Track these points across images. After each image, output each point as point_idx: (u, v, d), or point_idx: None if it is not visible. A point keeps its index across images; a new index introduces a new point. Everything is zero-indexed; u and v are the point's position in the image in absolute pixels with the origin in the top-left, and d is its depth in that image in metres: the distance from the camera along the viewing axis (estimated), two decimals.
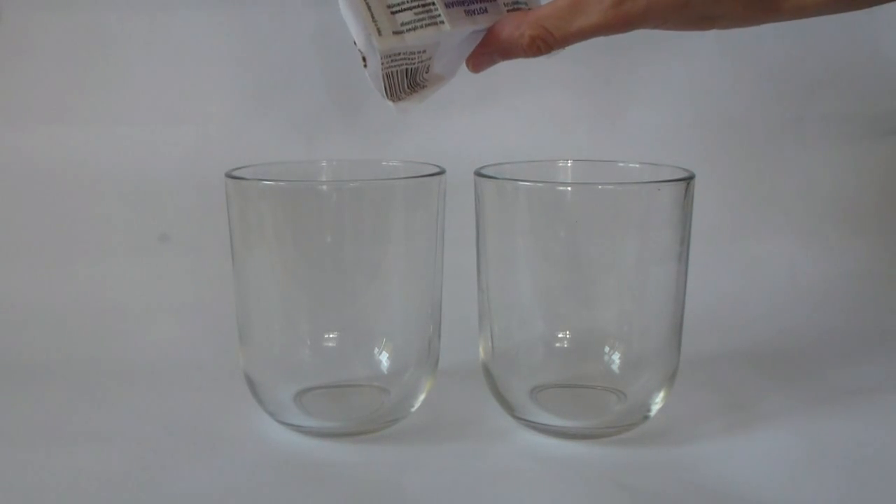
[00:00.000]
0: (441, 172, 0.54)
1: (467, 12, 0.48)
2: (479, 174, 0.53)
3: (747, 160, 0.79)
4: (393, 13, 0.46)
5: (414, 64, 0.48)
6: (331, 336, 0.56)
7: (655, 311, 0.53)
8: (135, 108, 0.77)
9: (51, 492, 0.49)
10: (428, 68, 0.49)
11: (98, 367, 0.65)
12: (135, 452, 0.53)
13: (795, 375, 0.64)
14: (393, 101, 0.49)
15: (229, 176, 0.53)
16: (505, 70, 0.76)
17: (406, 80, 0.48)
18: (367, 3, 0.45)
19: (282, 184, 0.53)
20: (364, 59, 0.46)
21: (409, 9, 0.46)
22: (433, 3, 0.47)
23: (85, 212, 0.77)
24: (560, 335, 0.55)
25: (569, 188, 0.55)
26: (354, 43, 0.46)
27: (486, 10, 0.48)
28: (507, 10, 0.49)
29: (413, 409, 0.56)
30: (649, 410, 0.54)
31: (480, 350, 0.56)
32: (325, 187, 0.58)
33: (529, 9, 0.50)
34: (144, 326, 0.71)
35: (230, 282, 0.55)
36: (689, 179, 0.52)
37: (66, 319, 0.71)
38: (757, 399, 0.60)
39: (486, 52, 0.49)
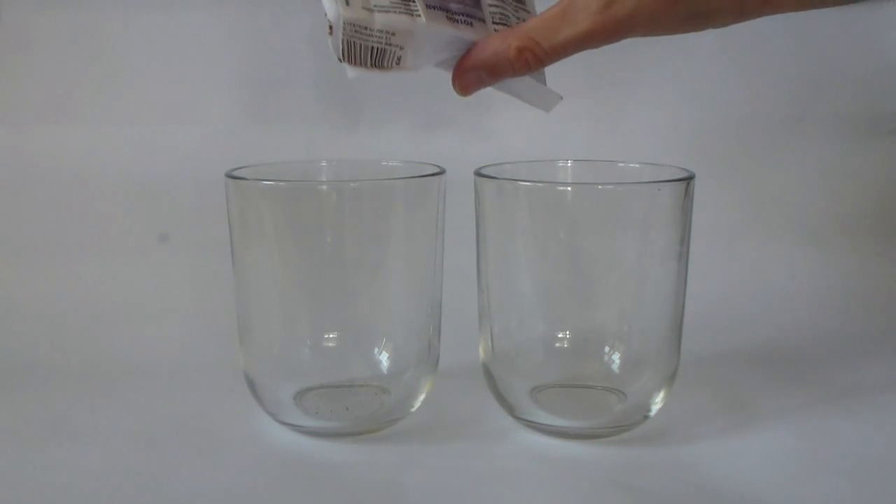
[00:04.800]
0: (441, 172, 0.54)
1: (449, 17, 0.47)
2: (479, 174, 0.54)
3: (747, 160, 0.79)
4: None
5: (381, 45, 0.47)
6: (331, 336, 0.56)
7: (655, 311, 0.53)
8: (135, 108, 0.77)
9: (51, 492, 0.49)
10: (399, 59, 0.48)
11: (98, 367, 0.66)
12: (135, 452, 0.53)
13: (795, 375, 0.64)
14: (350, 65, 0.47)
15: (229, 176, 0.53)
16: None
17: (370, 57, 0.47)
18: None
19: (282, 184, 0.53)
20: (330, 27, 0.46)
21: None
22: (413, 0, 0.46)
23: (85, 212, 0.77)
24: (560, 335, 0.55)
25: (569, 188, 0.55)
26: (325, 14, 0.46)
27: (471, 24, 0.48)
28: (494, 29, 0.49)
29: (413, 409, 0.56)
30: (649, 410, 0.54)
31: (480, 350, 0.56)
32: (325, 187, 0.58)
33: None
34: (144, 326, 0.71)
35: (230, 282, 0.55)
36: (689, 179, 0.52)
37: (66, 319, 0.71)
38: (757, 399, 0.60)
39: (472, 69, 0.48)
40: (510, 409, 0.55)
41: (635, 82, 0.79)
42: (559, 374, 0.55)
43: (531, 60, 0.46)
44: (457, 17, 0.48)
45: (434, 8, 0.47)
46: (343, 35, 0.46)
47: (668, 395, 0.54)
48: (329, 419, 0.54)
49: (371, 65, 0.48)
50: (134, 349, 0.68)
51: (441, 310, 0.56)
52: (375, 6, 0.46)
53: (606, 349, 0.54)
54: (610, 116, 0.79)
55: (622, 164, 0.58)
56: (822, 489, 0.49)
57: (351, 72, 0.47)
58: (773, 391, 0.61)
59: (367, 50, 0.47)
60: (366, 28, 0.46)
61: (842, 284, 0.77)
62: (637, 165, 0.57)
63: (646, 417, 0.54)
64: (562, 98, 0.52)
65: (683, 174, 0.52)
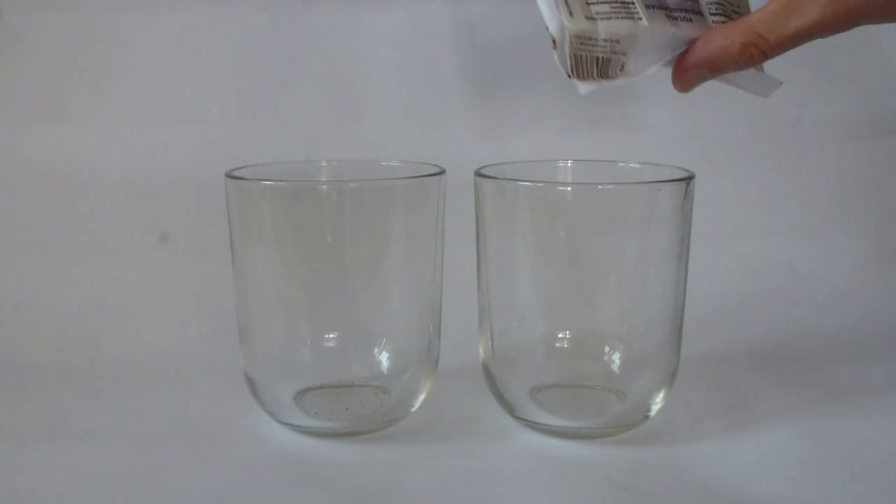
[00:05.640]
0: (441, 172, 0.54)
1: (668, 16, 0.46)
2: (479, 174, 0.53)
3: (747, 160, 0.79)
4: (588, 4, 0.45)
5: (606, 54, 0.46)
6: (331, 336, 0.56)
7: (655, 311, 0.53)
8: (135, 108, 0.77)
9: (51, 492, 0.49)
10: (623, 66, 0.47)
11: (98, 366, 0.66)
12: (135, 452, 0.53)
13: (795, 375, 0.64)
14: (580, 80, 0.47)
15: (229, 176, 0.53)
16: (504, 69, 0.77)
17: (596, 67, 0.47)
18: None
19: (282, 184, 0.53)
20: (554, 41, 0.45)
21: (606, 2, 0.45)
22: (632, 3, 0.46)
23: (85, 212, 0.77)
24: (560, 335, 0.55)
25: (569, 188, 0.55)
26: (547, 28, 0.46)
27: (689, 20, 0.47)
28: (713, 23, 0.48)
29: (413, 409, 0.56)
30: (649, 410, 0.54)
31: (480, 350, 0.56)
32: (325, 187, 0.58)
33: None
34: (144, 326, 0.71)
35: (230, 282, 0.55)
36: (689, 179, 0.52)
37: (66, 319, 0.71)
38: (757, 399, 0.60)
39: (694, 66, 0.47)
40: (510, 409, 0.55)
41: (635, 82, 0.79)
42: (559, 374, 0.55)
43: (756, 55, 0.45)
44: (675, 13, 0.47)
45: (652, 7, 0.46)
46: (570, 49, 0.46)
47: (668, 395, 0.54)
48: (329, 419, 0.54)
49: (598, 75, 0.47)
50: (134, 349, 0.68)
51: (441, 310, 0.56)
52: (597, 14, 0.45)
53: (606, 349, 0.54)
54: (609, 116, 0.79)
55: (622, 164, 0.58)
56: (822, 489, 0.49)
57: (583, 88, 0.47)
58: (773, 391, 0.61)
59: (592, 61, 0.47)
60: (591, 39, 0.45)
61: (842, 284, 0.77)
62: (637, 165, 0.57)
63: (646, 417, 0.54)
64: (781, 83, 0.49)
65: (683, 174, 0.52)
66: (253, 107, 0.77)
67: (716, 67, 0.46)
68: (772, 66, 0.81)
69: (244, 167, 0.55)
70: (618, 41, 0.46)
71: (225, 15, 0.76)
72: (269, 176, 0.53)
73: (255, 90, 0.77)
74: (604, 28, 0.45)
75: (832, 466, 0.51)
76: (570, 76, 0.47)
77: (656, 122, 0.78)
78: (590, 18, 0.45)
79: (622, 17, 0.46)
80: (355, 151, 0.75)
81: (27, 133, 0.77)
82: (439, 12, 0.76)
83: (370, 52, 0.77)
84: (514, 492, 0.49)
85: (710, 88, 0.80)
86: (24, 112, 0.77)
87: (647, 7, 0.46)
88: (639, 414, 0.54)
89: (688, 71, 0.47)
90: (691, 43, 0.48)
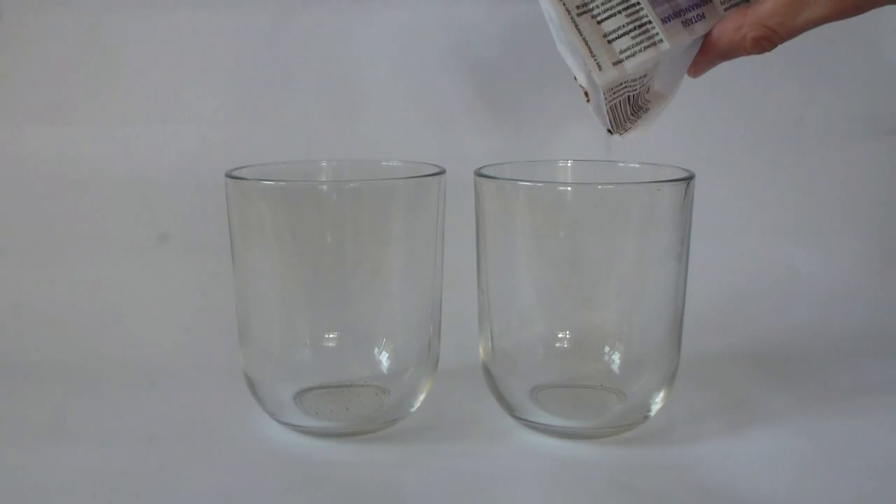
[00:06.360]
0: (441, 172, 0.54)
1: (684, 23, 0.46)
2: (479, 174, 0.53)
3: (747, 160, 0.79)
4: (610, 42, 0.45)
5: (635, 90, 0.47)
6: (331, 336, 0.56)
7: (655, 311, 0.53)
8: (134, 108, 0.77)
9: (51, 492, 0.49)
10: (648, 88, 0.48)
11: (98, 367, 0.65)
12: (135, 452, 0.53)
13: (795, 375, 0.64)
14: (620, 133, 0.48)
15: (229, 176, 0.53)
16: (503, 69, 0.77)
17: (629, 106, 0.48)
18: (584, 38, 0.44)
19: (282, 184, 0.53)
20: (586, 94, 0.46)
21: (626, 33, 0.45)
22: (649, 22, 0.45)
23: (84, 211, 0.77)
24: (560, 335, 0.55)
25: (569, 188, 0.55)
26: (575, 79, 0.46)
27: (703, 17, 0.47)
28: (724, 10, 0.47)
29: (413, 409, 0.56)
30: (649, 410, 0.54)
31: (480, 350, 0.56)
32: (325, 187, 0.58)
33: (748, 3, 0.47)
34: (144, 326, 0.71)
35: (230, 282, 0.55)
36: (689, 179, 0.52)
37: (66, 319, 0.71)
38: (757, 399, 0.60)
39: (707, 60, 0.48)
40: (510, 409, 0.55)
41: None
42: (559, 374, 0.55)
43: (767, 46, 0.46)
44: (690, 15, 0.47)
45: (668, 20, 0.46)
46: (606, 104, 0.46)
47: (668, 395, 0.54)
48: (329, 419, 0.54)
49: (632, 114, 0.48)
50: (134, 349, 0.68)
51: (441, 310, 0.56)
52: (621, 52, 0.45)
53: (606, 349, 0.54)
54: None
55: (622, 164, 0.58)
56: (822, 489, 0.49)
57: (623, 140, 0.48)
58: (773, 391, 0.61)
59: (625, 102, 0.47)
60: (621, 84, 0.46)
61: (842, 284, 0.77)
62: (637, 165, 0.57)
63: (646, 417, 0.54)
64: None
65: (683, 174, 0.52)
66: (253, 107, 0.77)
67: (728, 57, 0.48)
68: (773, 63, 0.81)
69: (244, 167, 0.55)
70: (645, 74, 0.47)
71: (225, 15, 0.76)
72: (269, 176, 0.53)
73: (255, 90, 0.77)
74: (631, 68, 0.45)
75: (832, 466, 0.51)
76: (610, 132, 0.48)
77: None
78: (617, 63, 0.45)
79: (645, 48, 0.45)
80: (355, 151, 0.75)
81: (27, 133, 0.77)
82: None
83: (370, 53, 0.77)
84: (513, 492, 0.49)
85: (711, 88, 0.80)
86: (24, 112, 0.77)
87: (664, 21, 0.46)
88: (639, 414, 0.54)
89: (702, 63, 0.48)
90: (705, 35, 0.48)
